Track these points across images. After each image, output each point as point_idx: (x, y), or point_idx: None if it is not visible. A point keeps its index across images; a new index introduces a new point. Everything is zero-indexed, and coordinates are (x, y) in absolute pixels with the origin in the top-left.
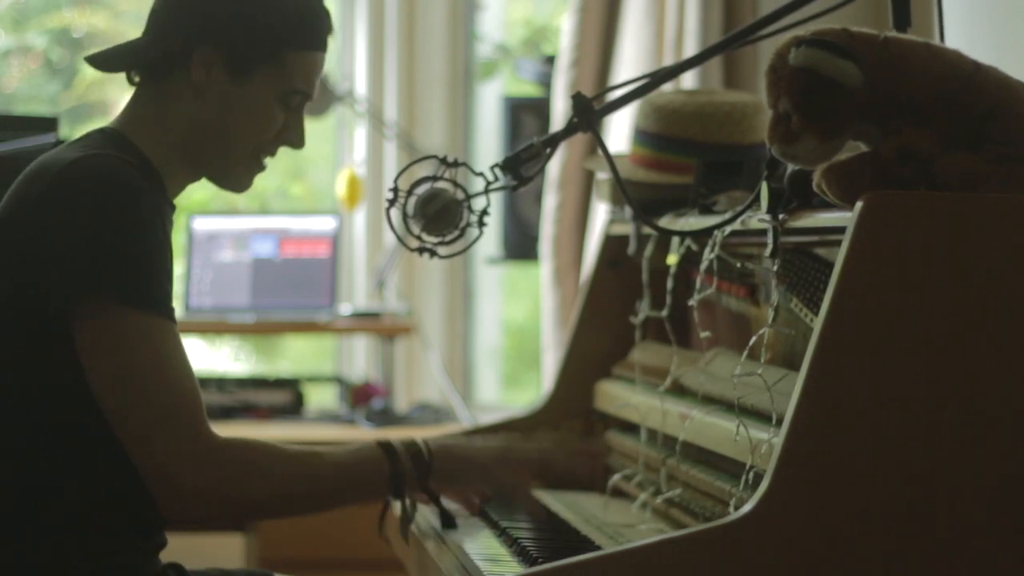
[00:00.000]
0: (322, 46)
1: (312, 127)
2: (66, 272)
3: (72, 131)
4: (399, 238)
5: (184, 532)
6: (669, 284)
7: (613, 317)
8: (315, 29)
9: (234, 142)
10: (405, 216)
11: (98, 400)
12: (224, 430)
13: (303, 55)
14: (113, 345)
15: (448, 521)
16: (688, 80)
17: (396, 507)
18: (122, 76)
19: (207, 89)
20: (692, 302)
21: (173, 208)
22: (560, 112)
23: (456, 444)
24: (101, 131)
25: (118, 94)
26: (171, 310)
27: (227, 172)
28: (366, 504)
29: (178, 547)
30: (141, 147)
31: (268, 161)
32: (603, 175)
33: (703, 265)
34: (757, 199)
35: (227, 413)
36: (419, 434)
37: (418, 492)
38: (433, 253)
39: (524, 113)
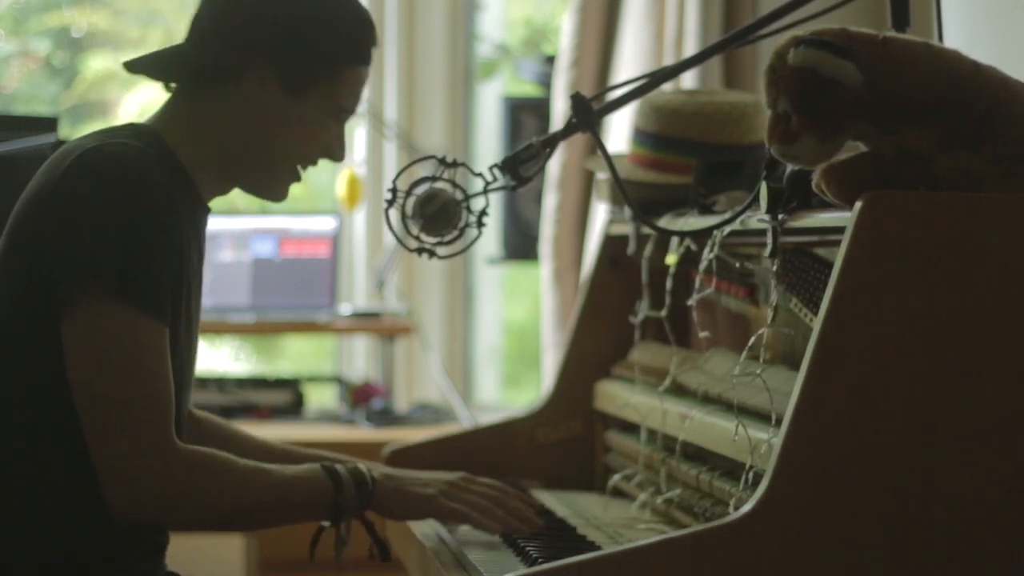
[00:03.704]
0: (370, 59)
1: None
2: (68, 262)
3: (72, 131)
4: (398, 238)
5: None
6: (669, 284)
7: (613, 317)
8: (366, 44)
9: (281, 154)
10: (404, 216)
11: (72, 390)
12: None
13: (355, 70)
14: (95, 335)
15: (384, 553)
16: (688, 80)
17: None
18: (123, 77)
19: (259, 103)
20: (691, 302)
21: (207, 210)
22: (560, 112)
23: (400, 475)
24: (133, 125)
25: (118, 94)
26: (163, 312)
27: (268, 183)
28: (306, 523)
29: (178, 548)
30: (174, 148)
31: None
32: (603, 175)
33: (702, 265)
34: (757, 199)
35: (227, 413)
36: (417, 436)
37: (355, 519)
38: (432, 253)
39: (524, 113)
